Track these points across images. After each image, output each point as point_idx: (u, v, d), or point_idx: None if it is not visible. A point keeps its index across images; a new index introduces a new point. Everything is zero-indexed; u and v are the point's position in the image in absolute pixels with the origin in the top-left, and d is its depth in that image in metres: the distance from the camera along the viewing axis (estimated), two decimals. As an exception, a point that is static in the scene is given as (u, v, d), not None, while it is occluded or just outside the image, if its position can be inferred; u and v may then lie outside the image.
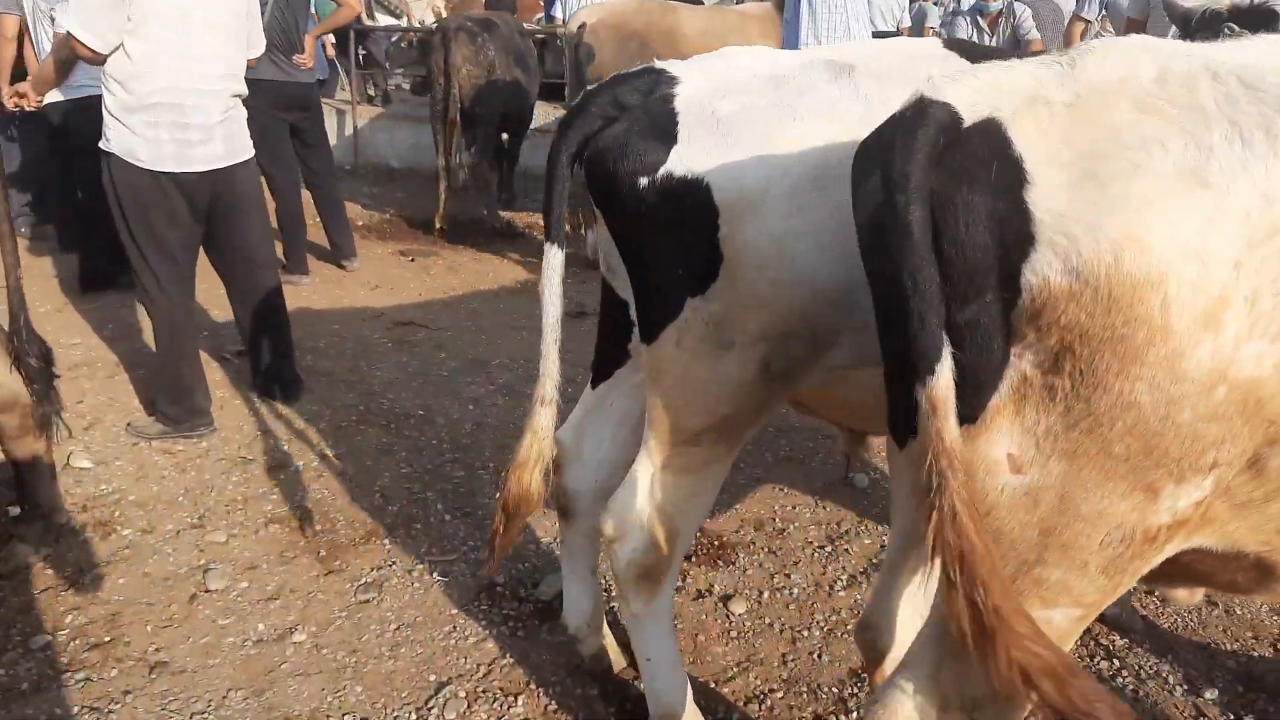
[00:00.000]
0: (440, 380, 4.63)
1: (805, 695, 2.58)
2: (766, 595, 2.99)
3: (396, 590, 3.01)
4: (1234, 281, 1.24)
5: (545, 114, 8.70)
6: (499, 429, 4.11)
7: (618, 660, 2.63)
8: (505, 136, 7.59)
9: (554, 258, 2.01)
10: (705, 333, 1.91)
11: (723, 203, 1.81)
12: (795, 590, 3.01)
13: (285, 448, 3.89)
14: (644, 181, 1.85)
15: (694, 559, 3.17)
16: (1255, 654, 2.73)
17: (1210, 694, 2.57)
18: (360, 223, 7.53)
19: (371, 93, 10.68)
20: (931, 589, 1.82)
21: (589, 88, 2.05)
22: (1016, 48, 6.89)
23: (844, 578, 3.09)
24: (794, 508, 3.51)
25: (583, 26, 6.04)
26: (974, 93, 1.35)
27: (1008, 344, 1.34)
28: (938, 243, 1.32)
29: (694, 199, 1.82)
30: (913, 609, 1.81)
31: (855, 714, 2.50)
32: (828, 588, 3.04)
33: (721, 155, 1.81)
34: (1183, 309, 1.24)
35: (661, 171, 1.84)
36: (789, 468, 3.79)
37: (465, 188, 7.59)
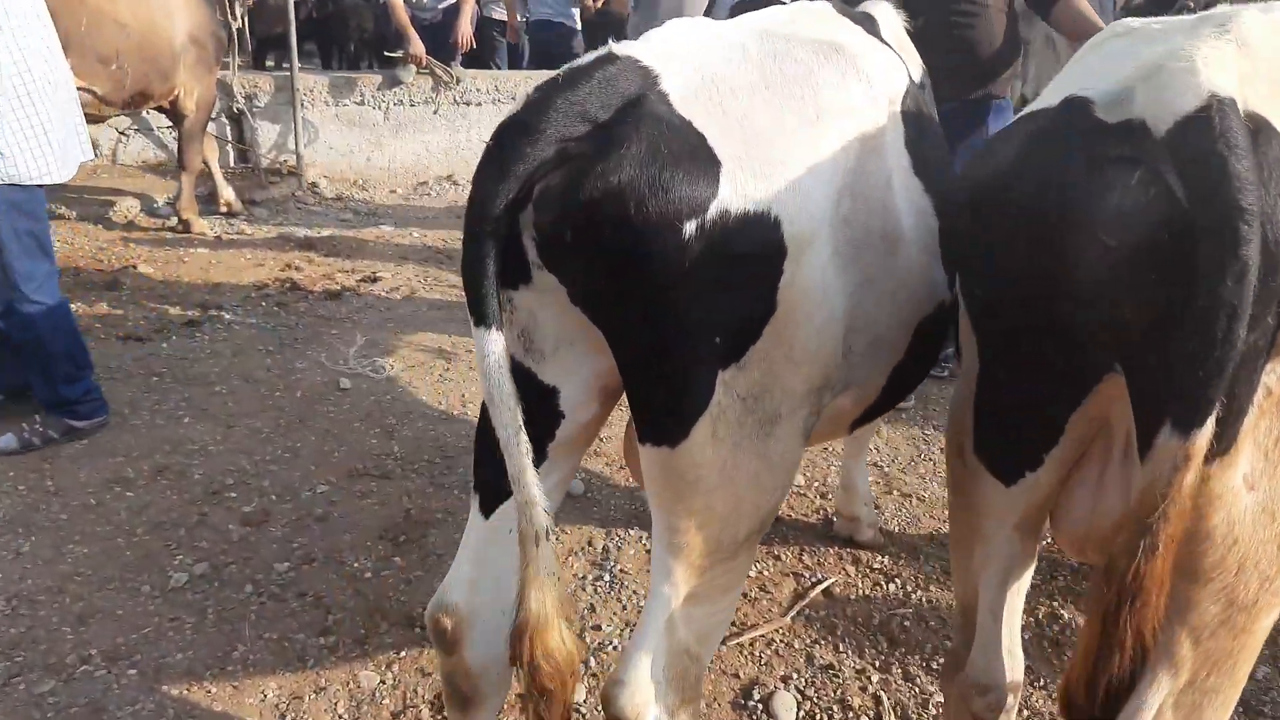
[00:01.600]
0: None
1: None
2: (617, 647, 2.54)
3: None
4: None
5: None
6: (76, 599, 2.70)
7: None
8: None
9: (493, 345, 1.34)
10: (744, 412, 1.43)
11: (792, 238, 1.33)
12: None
13: None
14: (690, 226, 1.26)
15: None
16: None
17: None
18: None
19: None
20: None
21: (530, 97, 1.29)
22: None
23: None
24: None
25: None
26: (1224, 79, 1.16)
27: (1266, 361, 1.24)
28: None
29: (758, 239, 1.31)
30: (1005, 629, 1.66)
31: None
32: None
33: (779, 176, 1.32)
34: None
35: (715, 208, 1.27)
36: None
37: None
